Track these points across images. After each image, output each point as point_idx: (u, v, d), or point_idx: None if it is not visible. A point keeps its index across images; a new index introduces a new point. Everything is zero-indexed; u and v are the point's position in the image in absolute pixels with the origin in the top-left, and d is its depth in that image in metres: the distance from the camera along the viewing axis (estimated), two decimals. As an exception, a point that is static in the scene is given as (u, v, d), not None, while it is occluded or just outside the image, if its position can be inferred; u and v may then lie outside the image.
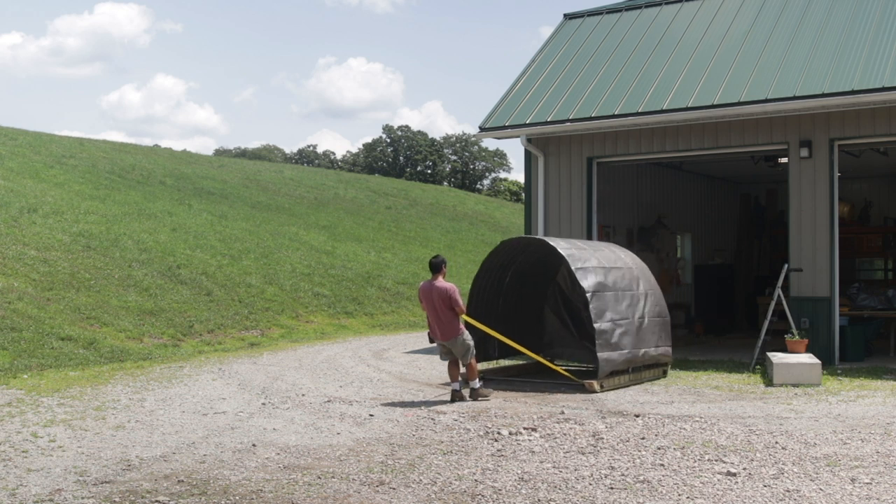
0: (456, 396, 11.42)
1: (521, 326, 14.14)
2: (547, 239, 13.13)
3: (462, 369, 11.70)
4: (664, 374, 13.45)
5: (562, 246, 12.82)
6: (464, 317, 11.67)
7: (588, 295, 12.23)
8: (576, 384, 12.24)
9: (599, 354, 12.06)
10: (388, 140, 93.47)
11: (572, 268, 12.43)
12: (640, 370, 12.90)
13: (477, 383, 11.55)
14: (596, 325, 12.13)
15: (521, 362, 14.32)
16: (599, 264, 12.86)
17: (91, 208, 22.98)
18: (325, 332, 19.67)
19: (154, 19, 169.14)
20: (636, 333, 12.76)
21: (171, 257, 20.50)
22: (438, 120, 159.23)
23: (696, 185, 22.45)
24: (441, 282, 11.43)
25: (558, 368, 13.08)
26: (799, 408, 10.65)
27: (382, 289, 24.18)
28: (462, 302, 11.44)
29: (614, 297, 12.64)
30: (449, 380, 11.85)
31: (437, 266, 11.58)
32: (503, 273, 13.91)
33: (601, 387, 11.99)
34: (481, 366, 13.32)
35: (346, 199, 39.52)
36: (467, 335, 11.58)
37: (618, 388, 12.24)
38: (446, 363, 11.92)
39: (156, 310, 17.30)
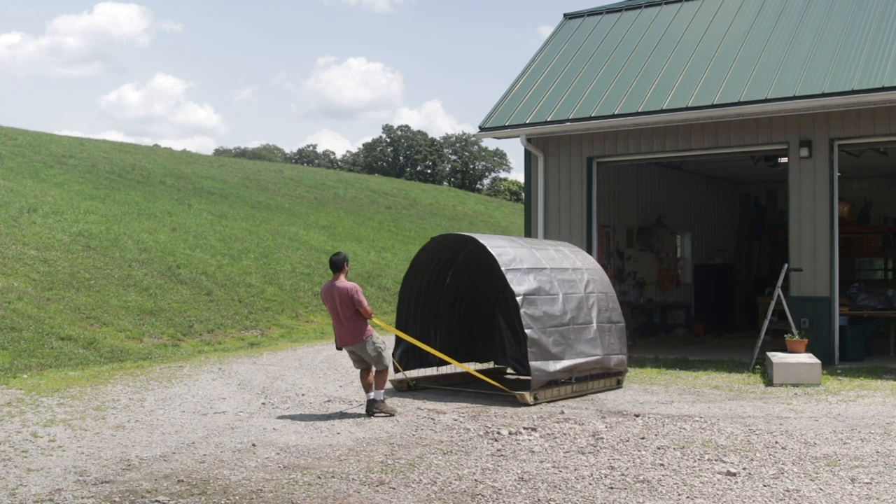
0: (371, 406, 10.35)
1: (472, 331, 13.43)
2: (477, 236, 12.07)
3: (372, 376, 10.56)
4: (618, 384, 12.46)
5: (494, 244, 11.89)
6: (375, 321, 10.67)
7: (519, 299, 11.24)
8: (510, 395, 11.25)
9: (532, 364, 11.09)
10: (388, 140, 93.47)
11: (503, 269, 11.41)
12: (587, 380, 11.93)
13: (380, 395, 10.39)
14: (527, 332, 11.13)
15: (463, 370, 12.95)
16: (538, 265, 11.89)
17: (91, 208, 22.98)
18: (325, 331, 19.66)
19: (153, 19, 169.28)
20: (581, 341, 11.81)
21: (171, 257, 20.50)
22: (438, 119, 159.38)
23: (696, 185, 22.46)
24: (343, 281, 10.33)
25: (486, 378, 12.00)
26: (799, 408, 10.65)
27: (382, 289, 24.18)
28: (367, 302, 10.34)
29: (554, 300, 11.66)
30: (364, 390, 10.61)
31: (338, 264, 10.43)
32: (443, 272, 12.97)
33: (535, 398, 11.03)
34: (416, 373, 12.63)
35: (346, 199, 39.53)
36: (377, 338, 10.45)
37: (557, 400, 11.32)
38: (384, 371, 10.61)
39: (156, 310, 17.30)
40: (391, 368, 10.90)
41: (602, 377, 12.20)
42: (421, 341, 12.35)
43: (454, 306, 13.28)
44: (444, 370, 13.06)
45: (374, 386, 10.40)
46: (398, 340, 12.33)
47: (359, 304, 10.21)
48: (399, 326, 12.41)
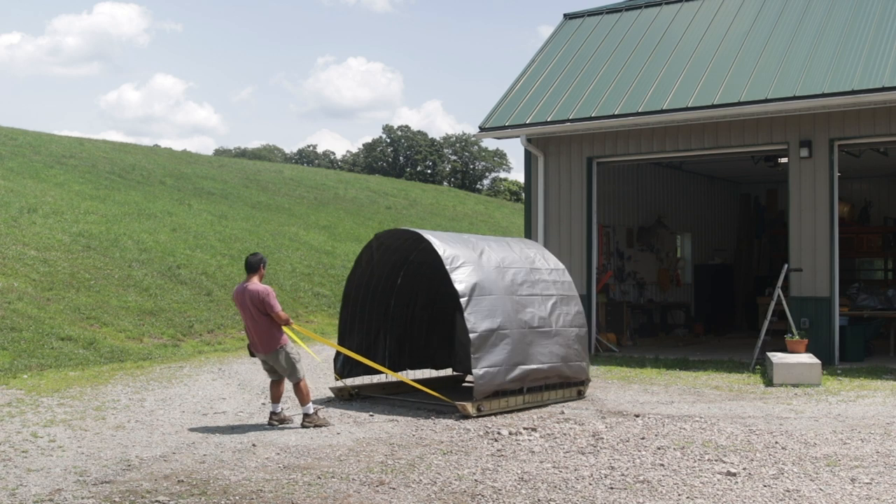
0: (274, 419, 9.75)
1: (429, 335, 12.76)
2: (423, 232, 11.14)
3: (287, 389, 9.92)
4: (580, 394, 11.48)
5: (439, 240, 10.93)
6: (295, 327, 9.98)
7: (463, 300, 10.32)
8: (453, 406, 10.35)
9: (475, 371, 10.19)
10: (388, 140, 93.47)
11: (447, 267, 10.55)
12: (542, 390, 10.98)
13: (311, 408, 9.64)
14: (471, 336, 10.22)
15: (421, 378, 12.27)
16: (489, 264, 10.98)
17: (91, 208, 22.97)
18: (325, 332, 19.66)
19: (153, 19, 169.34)
20: (537, 347, 10.87)
21: (171, 257, 20.50)
22: (438, 119, 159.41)
23: (696, 185, 22.47)
24: (255, 283, 9.61)
25: (421, 387, 11.11)
26: (799, 408, 10.65)
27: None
28: (280, 307, 9.61)
29: (505, 302, 10.75)
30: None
31: (253, 265, 9.74)
32: (394, 272, 12.20)
33: (478, 410, 10.13)
34: (362, 380, 11.97)
35: (346, 199, 39.53)
36: (291, 347, 9.70)
37: (505, 412, 10.39)
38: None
39: (156, 310, 17.29)
40: (334, 375, 10.34)
41: (561, 387, 11.26)
42: (368, 347, 11.80)
43: (408, 309, 12.51)
44: (392, 377, 12.12)
45: (299, 400, 9.71)
46: (340, 346, 11.64)
47: (271, 308, 9.49)
48: (342, 331, 11.78)
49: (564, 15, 20.12)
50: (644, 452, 8.30)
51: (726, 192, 23.74)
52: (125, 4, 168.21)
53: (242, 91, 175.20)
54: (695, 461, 7.95)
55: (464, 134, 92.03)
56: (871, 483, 7.14)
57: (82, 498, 6.86)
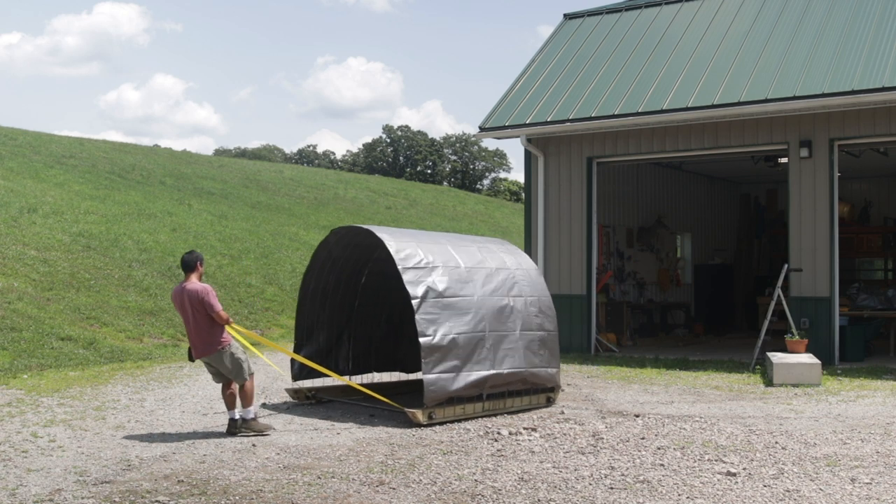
0: (233, 426, 9.15)
1: (399, 337, 12.24)
2: (375, 230, 10.48)
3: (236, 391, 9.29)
4: (549, 401, 10.88)
5: (396, 239, 10.36)
6: (236, 327, 9.35)
7: (415, 301, 9.73)
8: (404, 413, 9.79)
9: (426, 377, 9.59)
10: (388, 140, 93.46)
11: (399, 266, 9.94)
12: (504, 396, 10.39)
13: (250, 412, 9.15)
14: (422, 340, 9.62)
15: (375, 381, 12.06)
16: (448, 263, 10.36)
17: (91, 208, 22.98)
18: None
19: (153, 19, 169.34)
20: (498, 351, 10.26)
21: (171, 257, 20.50)
22: (437, 119, 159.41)
23: (696, 185, 22.48)
24: (193, 283, 9.09)
25: (371, 392, 10.49)
26: (799, 408, 10.65)
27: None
28: (220, 306, 9.08)
29: (463, 303, 10.12)
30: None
31: (190, 264, 9.23)
32: (357, 270, 11.70)
33: (430, 417, 9.59)
34: (322, 382, 11.54)
35: (346, 199, 39.54)
36: (236, 347, 9.18)
37: (460, 420, 9.84)
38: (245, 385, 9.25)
39: (156, 310, 17.30)
40: (291, 377, 9.99)
41: (526, 393, 10.67)
42: (330, 349, 11.50)
43: (374, 308, 12.05)
44: (354, 380, 11.59)
45: (238, 402, 9.21)
46: (297, 348, 11.32)
47: (210, 307, 8.97)
48: (299, 333, 11.45)
49: (564, 15, 20.13)
50: (644, 452, 8.30)
51: (726, 192, 23.75)
52: (125, 4, 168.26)
53: (242, 91, 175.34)
54: (695, 461, 7.95)
55: (464, 134, 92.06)
56: (871, 483, 7.15)
57: (82, 498, 6.86)
